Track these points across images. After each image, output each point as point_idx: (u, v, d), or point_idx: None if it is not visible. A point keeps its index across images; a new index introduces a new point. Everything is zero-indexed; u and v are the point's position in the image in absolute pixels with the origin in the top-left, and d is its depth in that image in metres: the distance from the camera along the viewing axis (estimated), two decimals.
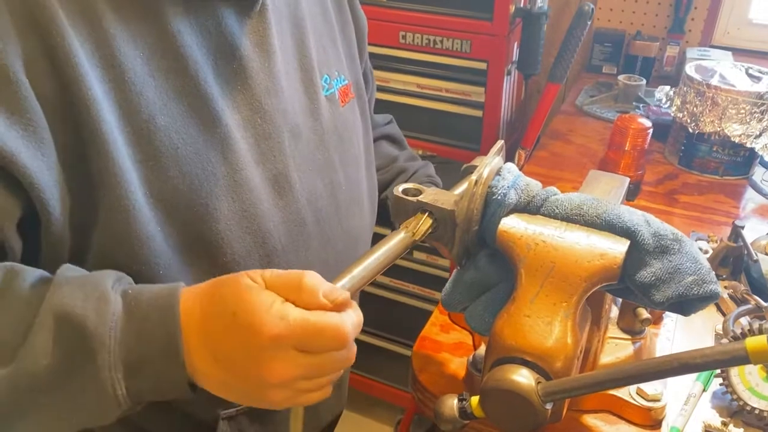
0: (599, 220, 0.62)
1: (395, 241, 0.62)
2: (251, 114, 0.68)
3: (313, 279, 0.52)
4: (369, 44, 1.69)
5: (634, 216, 0.62)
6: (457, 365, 0.83)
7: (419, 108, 1.72)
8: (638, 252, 0.61)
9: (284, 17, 0.74)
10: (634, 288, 0.62)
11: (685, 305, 0.61)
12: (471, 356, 0.79)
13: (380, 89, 1.75)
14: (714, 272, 0.96)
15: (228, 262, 0.66)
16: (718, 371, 0.76)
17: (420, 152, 1.74)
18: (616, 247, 0.61)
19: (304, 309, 0.51)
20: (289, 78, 0.73)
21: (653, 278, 0.60)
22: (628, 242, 0.61)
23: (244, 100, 0.67)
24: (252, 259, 0.68)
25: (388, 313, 1.87)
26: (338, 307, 0.52)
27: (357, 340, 1.81)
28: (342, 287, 0.55)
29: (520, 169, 1.43)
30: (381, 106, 1.77)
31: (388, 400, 2.02)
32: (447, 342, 0.87)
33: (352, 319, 0.52)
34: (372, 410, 2.12)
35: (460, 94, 1.66)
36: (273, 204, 0.70)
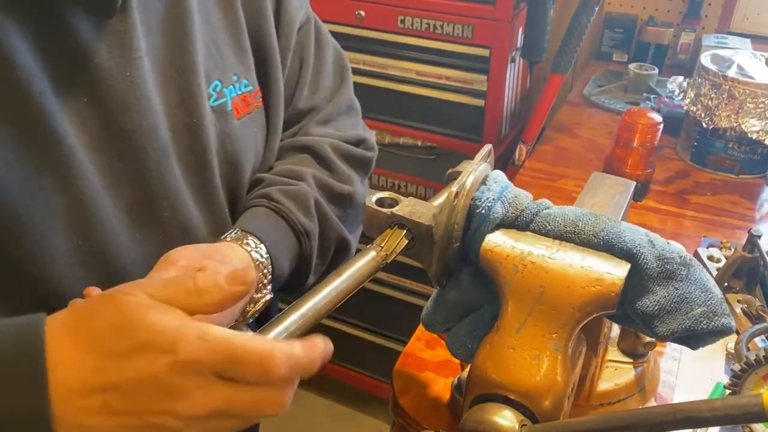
0: (596, 239, 0.55)
1: (364, 261, 0.55)
2: (104, 132, 0.57)
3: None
4: (365, 28, 1.62)
5: (637, 236, 0.54)
6: (442, 387, 0.76)
7: (418, 96, 1.65)
8: (640, 277, 0.53)
9: (156, 15, 0.62)
10: (635, 317, 0.54)
11: (693, 339, 0.54)
12: (456, 379, 0.72)
13: (377, 76, 1.68)
14: (727, 284, 0.89)
15: None
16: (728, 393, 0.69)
17: (418, 143, 1.66)
18: (615, 271, 0.53)
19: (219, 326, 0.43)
20: (160, 88, 0.62)
21: (656, 308, 0.53)
22: (628, 265, 0.53)
23: (95, 116, 0.57)
24: None
25: (384, 310, 1.81)
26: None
27: (354, 337, 1.70)
28: (295, 321, 0.48)
29: (521, 165, 1.36)
30: (378, 94, 1.71)
31: (385, 396, 1.97)
32: (432, 360, 0.80)
33: (285, 350, 0.43)
34: (368, 407, 2.07)
35: (462, 82, 1.59)
36: (129, 237, 0.60)
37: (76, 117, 0.55)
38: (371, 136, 0.87)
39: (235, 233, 0.66)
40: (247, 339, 0.42)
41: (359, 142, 0.84)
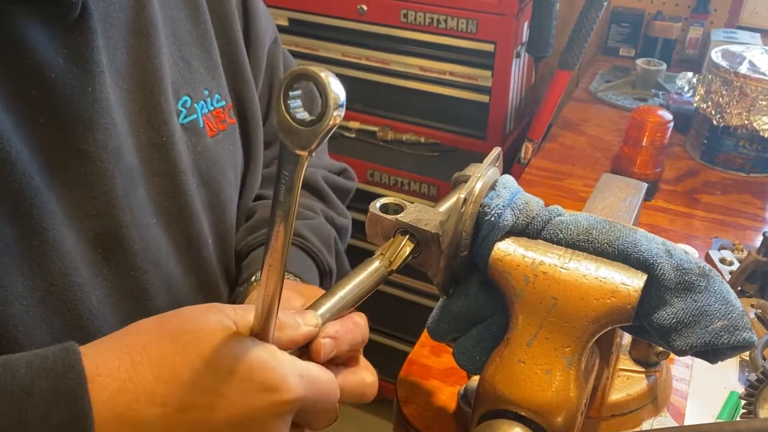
0: (611, 248, 0.52)
1: (368, 272, 0.53)
2: (62, 155, 0.51)
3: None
4: (368, 23, 1.59)
5: (653, 245, 0.52)
6: (448, 396, 0.73)
7: (421, 92, 1.62)
8: (657, 288, 0.51)
9: (118, 26, 0.56)
10: (652, 330, 0.52)
11: (712, 353, 0.51)
12: (462, 388, 0.70)
13: (380, 72, 1.65)
14: (741, 288, 0.87)
15: None
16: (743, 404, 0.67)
17: (422, 140, 1.63)
18: (631, 283, 0.51)
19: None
20: (123, 105, 0.56)
21: (674, 321, 0.50)
22: (644, 276, 0.51)
23: (51, 137, 0.51)
24: None
25: (391, 310, 1.79)
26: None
27: None
28: None
29: (527, 164, 1.33)
30: (380, 90, 1.68)
31: (390, 397, 1.95)
32: (437, 367, 0.78)
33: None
34: (373, 407, 2.05)
35: (466, 77, 1.56)
36: (95, 273, 0.54)
37: (30, 139, 0.49)
38: (347, 166, 0.88)
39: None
40: (326, 373, 0.46)
41: (342, 171, 0.86)
